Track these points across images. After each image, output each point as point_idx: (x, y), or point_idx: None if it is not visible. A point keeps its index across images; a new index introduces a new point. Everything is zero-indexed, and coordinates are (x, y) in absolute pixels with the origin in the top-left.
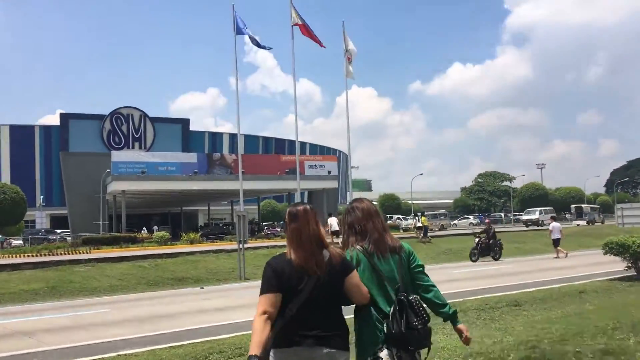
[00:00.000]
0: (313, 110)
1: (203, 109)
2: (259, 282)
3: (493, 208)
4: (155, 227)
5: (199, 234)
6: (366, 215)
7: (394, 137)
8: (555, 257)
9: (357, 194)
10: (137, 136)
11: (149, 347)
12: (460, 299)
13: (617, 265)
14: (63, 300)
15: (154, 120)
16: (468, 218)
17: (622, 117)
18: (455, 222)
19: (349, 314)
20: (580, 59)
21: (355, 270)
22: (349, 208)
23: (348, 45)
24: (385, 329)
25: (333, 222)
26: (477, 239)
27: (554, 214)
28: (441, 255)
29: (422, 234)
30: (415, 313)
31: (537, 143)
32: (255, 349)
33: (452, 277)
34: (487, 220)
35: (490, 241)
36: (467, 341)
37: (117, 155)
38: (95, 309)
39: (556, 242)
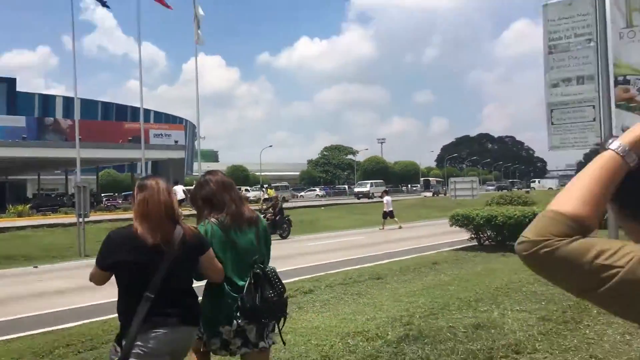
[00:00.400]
0: (157, 76)
1: (32, 68)
2: None
3: (337, 180)
4: None
5: (29, 206)
6: (221, 187)
7: (242, 107)
8: (381, 229)
9: (204, 165)
10: None
11: None
12: (322, 273)
13: (456, 236)
14: None
15: None
16: (314, 190)
17: (452, 97)
18: (302, 193)
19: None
20: (418, 40)
21: (210, 248)
22: (202, 181)
23: (198, 10)
24: (239, 303)
25: (178, 190)
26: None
27: (386, 189)
28: (295, 226)
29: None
30: (270, 285)
31: (377, 119)
32: None
33: (305, 250)
34: (275, 195)
35: (277, 217)
36: None
37: None
38: None
39: (390, 214)
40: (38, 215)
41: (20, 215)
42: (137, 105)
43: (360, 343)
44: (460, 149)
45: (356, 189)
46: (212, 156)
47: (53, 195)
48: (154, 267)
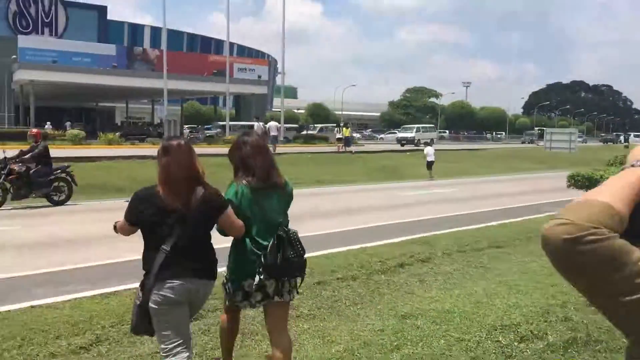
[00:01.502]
0: (240, 8)
1: None
2: None
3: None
4: (68, 123)
5: (118, 134)
6: (255, 150)
7: (322, 45)
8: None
9: (284, 101)
10: (47, 21)
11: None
12: (429, 233)
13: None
14: None
15: (67, 4)
16: (395, 133)
17: (543, 40)
18: (382, 136)
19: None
20: None
21: (229, 208)
22: (239, 142)
23: None
24: (263, 260)
25: (256, 127)
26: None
27: (431, 138)
28: (376, 173)
29: (342, 146)
30: (292, 247)
31: (460, 61)
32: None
33: (397, 202)
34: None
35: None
36: None
37: (25, 41)
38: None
39: (429, 165)
40: (126, 144)
41: (110, 143)
42: (220, 37)
43: (515, 344)
44: (551, 97)
45: (399, 134)
46: (291, 92)
47: (140, 124)
48: (172, 224)
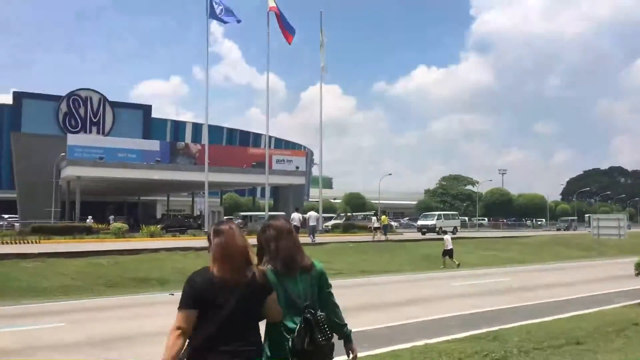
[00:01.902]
0: (277, 104)
1: (165, 97)
2: None
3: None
4: (112, 217)
5: (160, 226)
6: (279, 233)
7: (356, 136)
8: (442, 268)
9: (318, 191)
10: (95, 120)
11: None
12: (495, 327)
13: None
14: (7, 305)
15: (114, 104)
16: None
17: (577, 127)
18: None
19: None
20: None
21: (274, 290)
22: (264, 226)
23: (323, 37)
24: (290, 345)
25: (295, 217)
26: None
27: (448, 229)
28: (420, 262)
29: (378, 233)
30: (320, 330)
31: (494, 150)
32: None
33: (454, 292)
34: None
35: None
36: None
37: (74, 139)
38: (46, 321)
39: (450, 253)
40: (167, 236)
41: (152, 235)
42: (257, 131)
43: None
44: (589, 183)
45: (419, 222)
46: (326, 182)
47: (180, 217)
48: (224, 303)
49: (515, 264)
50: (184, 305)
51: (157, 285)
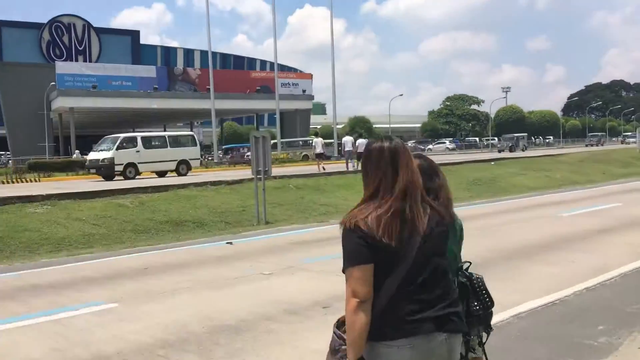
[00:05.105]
0: (264, 29)
1: (148, 26)
2: (288, 229)
3: (461, 133)
4: None
5: None
6: (433, 171)
7: (346, 60)
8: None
9: (313, 118)
10: (80, 48)
11: None
12: None
13: None
14: (15, 269)
15: (100, 31)
16: (444, 142)
17: (570, 43)
18: (430, 146)
19: None
20: None
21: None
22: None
23: None
24: None
25: (348, 142)
26: None
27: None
28: (475, 187)
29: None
30: (476, 297)
31: (487, 68)
32: (360, 352)
33: (579, 228)
34: None
35: None
36: None
37: (63, 67)
38: (80, 301)
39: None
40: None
41: None
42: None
43: None
44: (590, 98)
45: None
46: (320, 109)
47: None
48: (404, 254)
49: (579, 185)
50: (356, 259)
51: (195, 228)
